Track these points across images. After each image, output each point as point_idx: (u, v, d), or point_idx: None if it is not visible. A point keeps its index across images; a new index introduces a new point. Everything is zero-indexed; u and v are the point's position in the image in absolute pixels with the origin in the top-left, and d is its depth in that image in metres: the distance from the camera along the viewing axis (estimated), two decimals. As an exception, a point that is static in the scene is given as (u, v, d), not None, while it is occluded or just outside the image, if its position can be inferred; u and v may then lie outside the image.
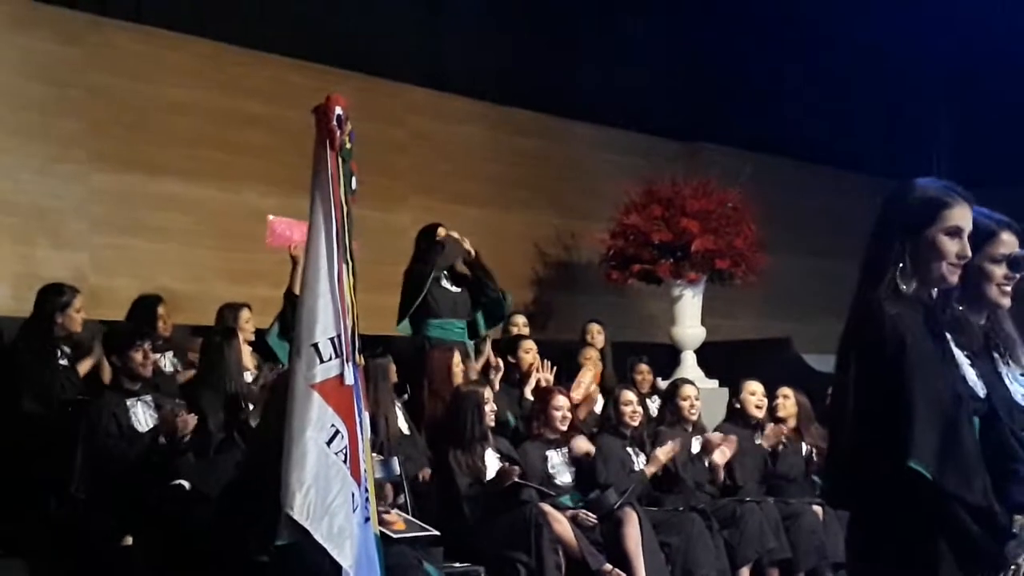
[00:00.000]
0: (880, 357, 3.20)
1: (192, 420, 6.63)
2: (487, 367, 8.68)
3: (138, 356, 6.80)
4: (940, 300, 3.38)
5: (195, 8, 9.63)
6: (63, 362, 7.20)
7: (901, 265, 3.28)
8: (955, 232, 3.32)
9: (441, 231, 8.47)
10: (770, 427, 8.68)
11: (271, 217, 7.63)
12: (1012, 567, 3.27)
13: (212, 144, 9.51)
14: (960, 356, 3.36)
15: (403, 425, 7.55)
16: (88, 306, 7.71)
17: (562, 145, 11.92)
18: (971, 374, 3.37)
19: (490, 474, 7.19)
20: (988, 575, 3.25)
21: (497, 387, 8.24)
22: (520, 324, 9.43)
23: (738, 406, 8.93)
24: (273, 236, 7.53)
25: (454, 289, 8.64)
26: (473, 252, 8.54)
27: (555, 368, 8.58)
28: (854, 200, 12.78)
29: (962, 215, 3.34)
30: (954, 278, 3.34)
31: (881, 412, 3.18)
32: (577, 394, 8.47)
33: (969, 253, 3.34)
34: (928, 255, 3.30)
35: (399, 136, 10.59)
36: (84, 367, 7.44)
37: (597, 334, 9.56)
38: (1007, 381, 3.42)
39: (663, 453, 7.92)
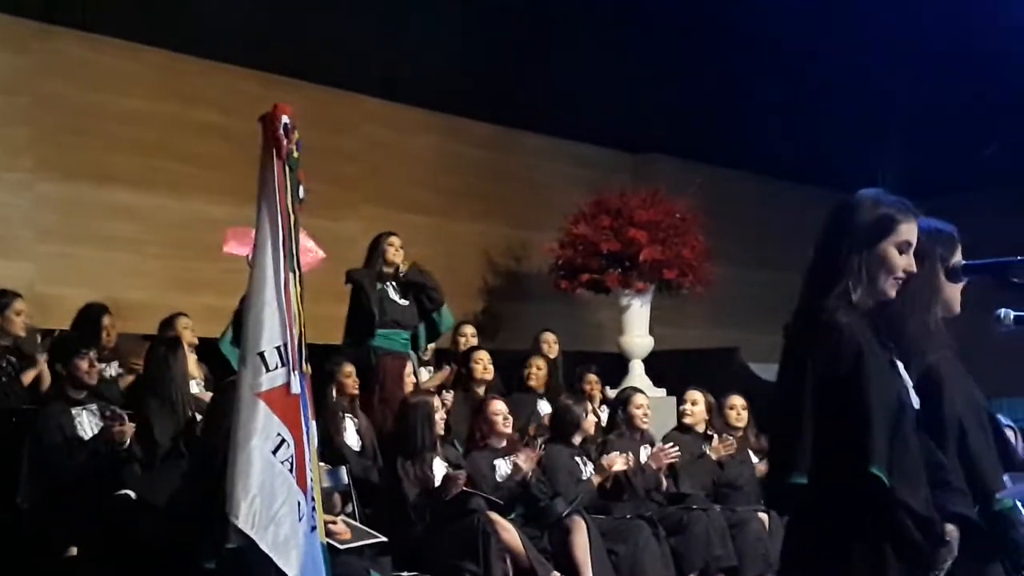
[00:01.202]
0: (837, 365, 3.22)
1: (130, 429, 6.54)
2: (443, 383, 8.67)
3: (83, 364, 6.73)
4: (879, 311, 3.40)
5: (145, 17, 9.54)
6: (7, 371, 7.10)
7: (856, 274, 3.30)
8: (904, 247, 3.36)
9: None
10: (716, 441, 8.67)
11: (230, 228, 7.55)
12: (940, 571, 3.33)
13: (162, 153, 9.43)
14: (901, 367, 3.38)
15: (352, 440, 7.50)
16: (35, 315, 7.64)
17: (513, 156, 11.92)
18: (910, 384, 3.39)
19: (438, 482, 7.14)
20: None
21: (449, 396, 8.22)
22: (468, 335, 9.39)
23: (687, 419, 8.94)
24: (231, 243, 7.46)
25: (401, 301, 8.62)
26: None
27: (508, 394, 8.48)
28: (800, 212, 12.81)
29: (911, 231, 3.39)
30: (894, 292, 3.38)
31: (839, 419, 3.19)
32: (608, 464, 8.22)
33: (915, 268, 3.37)
34: (878, 268, 3.34)
35: (351, 145, 10.55)
36: (28, 377, 7.34)
37: (553, 344, 9.55)
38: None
39: (612, 462, 7.90)
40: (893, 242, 3.37)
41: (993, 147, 13.30)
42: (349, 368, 7.67)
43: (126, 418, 6.59)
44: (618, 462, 7.94)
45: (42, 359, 7.29)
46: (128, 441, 6.53)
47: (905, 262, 3.38)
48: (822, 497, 3.22)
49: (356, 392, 7.69)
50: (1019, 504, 3.69)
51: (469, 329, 9.45)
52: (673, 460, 8.31)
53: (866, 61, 13.06)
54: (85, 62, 9.12)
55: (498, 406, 7.69)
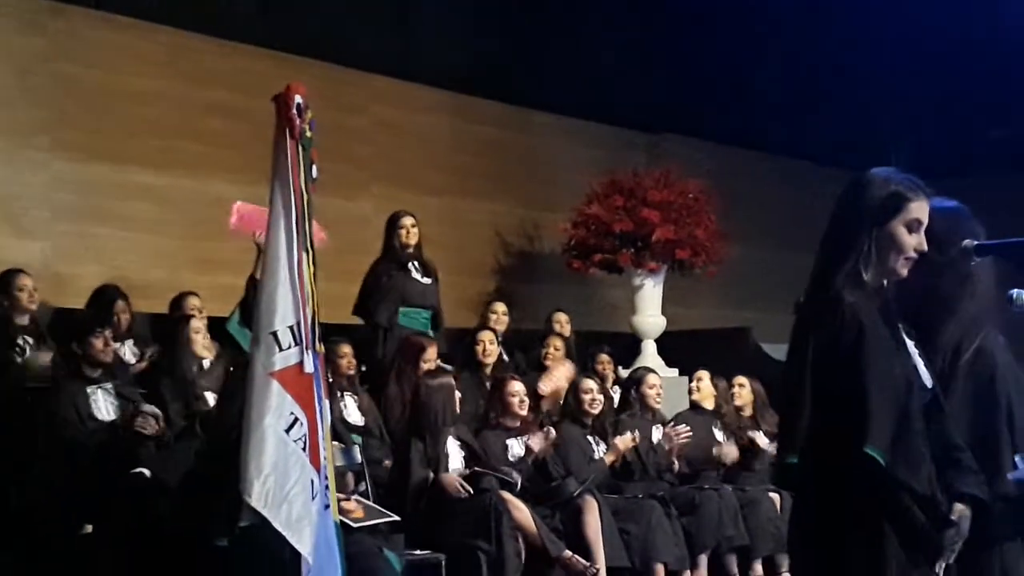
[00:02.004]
0: (838, 343, 3.22)
1: (153, 422, 6.56)
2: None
3: (98, 343, 6.75)
4: (891, 289, 3.38)
5: (159, -4, 9.55)
6: (25, 352, 7.11)
7: (865, 253, 3.29)
8: (915, 225, 3.34)
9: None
10: (726, 447, 8.62)
11: (237, 203, 7.53)
12: (949, 554, 3.31)
13: (177, 133, 9.43)
14: (911, 346, 3.37)
15: (355, 417, 7.51)
16: (51, 294, 7.66)
17: (525, 135, 11.89)
18: (921, 364, 3.38)
19: (453, 463, 7.15)
20: (928, 560, 3.28)
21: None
22: (500, 312, 9.35)
23: (694, 396, 8.97)
24: (240, 221, 7.44)
25: (423, 280, 8.62)
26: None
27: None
28: (813, 192, 12.77)
29: (921, 209, 3.37)
30: (905, 271, 3.36)
31: (837, 397, 3.19)
32: (544, 388, 8.42)
33: (925, 247, 3.36)
34: (888, 246, 3.33)
35: (363, 125, 10.53)
36: (45, 358, 7.34)
37: (565, 323, 9.55)
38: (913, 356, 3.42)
39: (622, 443, 7.90)
40: (903, 220, 3.35)
41: (1001, 130, 13.26)
42: (345, 348, 7.66)
43: (149, 409, 6.61)
44: (626, 439, 7.93)
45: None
46: (152, 430, 6.56)
47: (915, 241, 3.36)
48: (820, 477, 3.21)
49: (352, 372, 7.67)
50: None
51: (500, 307, 9.40)
52: (685, 441, 8.32)
53: (877, 42, 13.01)
54: (99, 42, 9.11)
55: (516, 387, 7.68)
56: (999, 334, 3.71)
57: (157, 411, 6.64)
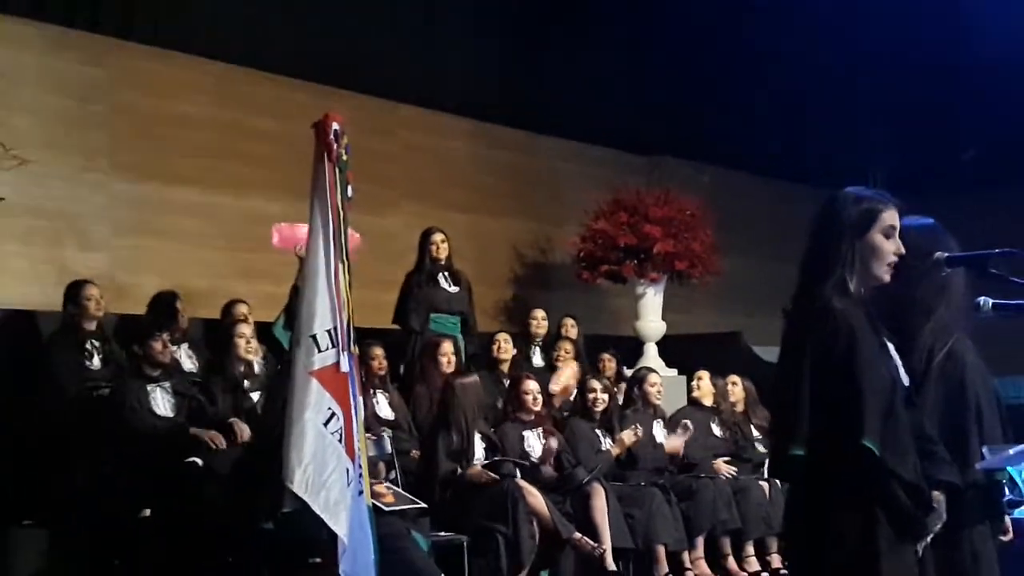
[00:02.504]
0: (832, 347, 3.24)
1: (219, 438, 6.63)
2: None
3: (157, 345, 6.82)
4: (873, 296, 3.42)
5: (208, 32, 9.59)
6: (96, 357, 7.14)
7: (849, 263, 3.33)
8: (890, 232, 3.38)
9: None
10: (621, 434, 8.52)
11: (278, 224, 7.56)
12: (929, 535, 3.35)
13: (222, 155, 9.48)
14: (891, 348, 3.40)
15: (385, 412, 7.55)
16: (112, 302, 7.69)
17: (538, 158, 11.92)
18: (900, 363, 3.41)
19: (477, 454, 7.19)
20: (912, 541, 3.32)
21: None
22: (539, 318, 9.38)
23: (695, 393, 9.01)
24: (280, 239, 7.49)
25: (451, 288, 8.67)
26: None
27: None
28: (799, 209, 12.74)
29: (893, 216, 3.41)
30: (888, 276, 3.39)
31: (834, 396, 3.22)
32: (555, 387, 8.46)
33: (903, 250, 3.40)
34: (870, 255, 3.36)
35: (392, 148, 10.57)
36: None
37: (572, 327, 9.58)
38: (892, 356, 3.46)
39: (627, 437, 7.93)
40: (879, 229, 3.38)
41: (971, 152, 13.26)
42: (377, 350, 7.70)
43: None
44: (628, 433, 7.96)
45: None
46: (218, 446, 6.62)
47: (893, 246, 3.40)
48: (819, 467, 3.24)
49: (383, 372, 7.72)
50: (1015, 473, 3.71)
51: (540, 313, 9.43)
52: (685, 439, 8.36)
53: (857, 70, 13.04)
54: (154, 73, 9.16)
55: (531, 385, 7.72)
56: (967, 338, 3.74)
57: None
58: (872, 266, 3.38)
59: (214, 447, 6.62)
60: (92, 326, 7.19)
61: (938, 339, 3.66)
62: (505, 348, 8.69)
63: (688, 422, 8.42)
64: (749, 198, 13.15)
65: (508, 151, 11.64)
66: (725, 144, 12.90)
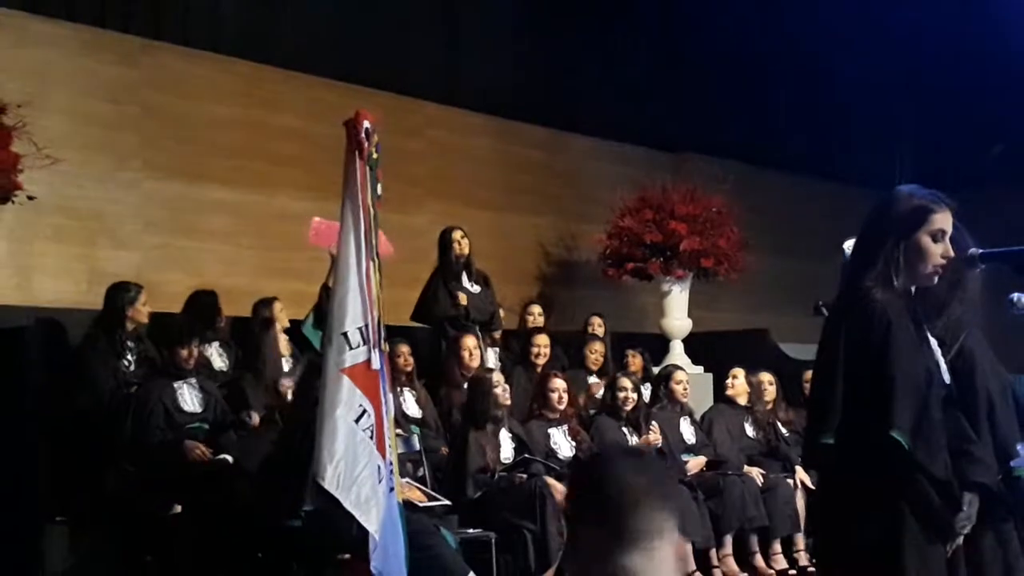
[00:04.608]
0: (868, 337, 3.22)
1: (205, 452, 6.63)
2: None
3: (183, 353, 6.82)
4: (928, 292, 3.39)
5: (237, 33, 9.62)
6: (129, 356, 7.17)
7: (894, 261, 3.30)
8: (939, 235, 3.35)
9: None
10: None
11: (315, 219, 7.52)
12: (959, 536, 3.31)
13: (252, 155, 9.50)
14: (934, 343, 3.37)
15: (413, 410, 7.54)
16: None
17: (564, 156, 11.90)
18: (942, 361, 3.38)
19: (504, 452, 7.18)
20: (940, 541, 3.28)
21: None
22: (536, 314, 9.39)
23: (729, 392, 8.94)
24: (317, 236, 7.45)
25: (473, 288, 8.67)
26: None
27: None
28: (825, 205, 12.77)
29: (944, 220, 3.37)
30: (935, 278, 3.36)
31: (867, 386, 3.19)
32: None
33: (952, 253, 3.37)
34: (916, 255, 3.34)
35: (418, 147, 10.56)
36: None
37: (599, 326, 9.56)
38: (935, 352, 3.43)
39: (652, 437, 7.88)
40: (927, 231, 3.35)
41: (999, 147, 13.15)
42: (403, 348, 7.69)
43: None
44: (651, 438, 7.91)
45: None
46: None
47: (941, 249, 3.36)
48: (848, 457, 3.22)
49: (409, 369, 7.70)
50: None
51: (536, 308, 9.43)
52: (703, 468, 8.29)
53: (884, 68, 12.96)
54: (184, 74, 9.19)
55: (557, 383, 7.71)
56: (981, 333, 3.71)
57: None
58: (917, 267, 3.34)
59: (197, 456, 6.59)
60: (130, 327, 7.20)
61: (950, 334, 3.63)
62: (545, 352, 8.65)
63: (655, 424, 8.23)
64: (775, 195, 13.09)
65: (533, 149, 11.62)
66: (751, 141, 12.87)
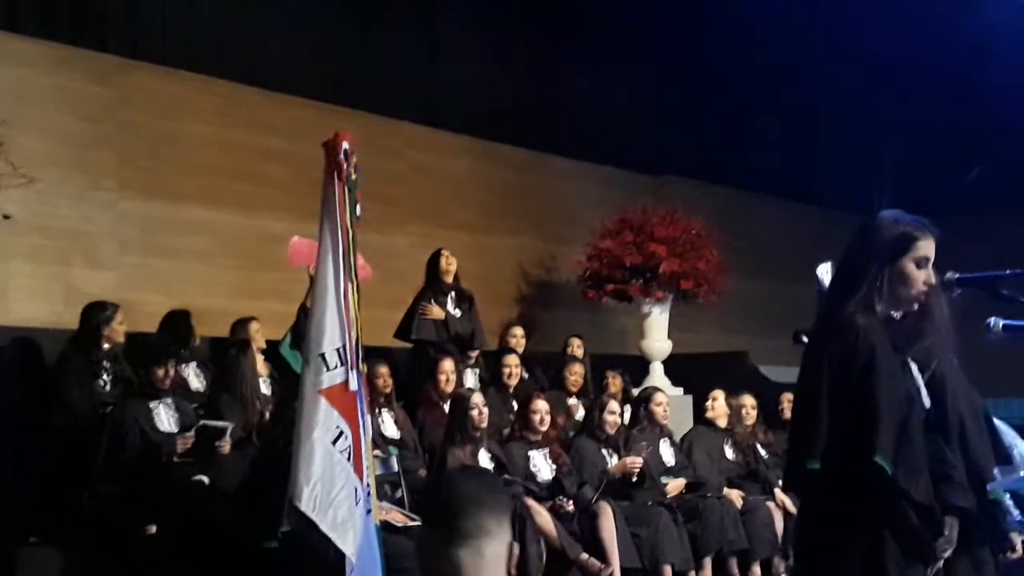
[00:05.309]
0: (851, 362, 3.24)
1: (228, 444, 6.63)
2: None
3: (160, 372, 6.82)
4: (905, 317, 3.41)
5: (216, 51, 9.63)
6: (105, 376, 7.15)
7: (877, 287, 3.32)
8: (923, 262, 3.37)
9: None
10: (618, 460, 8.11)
11: (295, 238, 7.53)
12: (939, 560, 3.32)
13: (230, 175, 9.50)
14: (915, 368, 3.40)
15: (391, 431, 7.54)
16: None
17: (544, 177, 11.95)
18: (922, 386, 3.40)
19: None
20: (921, 564, 3.30)
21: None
22: (519, 335, 9.41)
23: (709, 414, 8.96)
24: (296, 255, 7.45)
25: (455, 312, 8.71)
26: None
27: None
28: (804, 229, 12.85)
29: (928, 247, 3.40)
30: (916, 304, 3.39)
31: (850, 411, 3.21)
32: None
33: (934, 281, 3.39)
34: (899, 281, 3.35)
35: (399, 168, 10.59)
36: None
37: (577, 348, 9.57)
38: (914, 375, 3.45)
39: (630, 462, 7.86)
40: (912, 258, 3.38)
41: (977, 170, 13.27)
42: (382, 368, 7.68)
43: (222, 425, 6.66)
44: (630, 461, 7.89)
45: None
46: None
47: (924, 276, 3.39)
48: (831, 482, 3.23)
49: (388, 390, 7.70)
50: (1006, 495, 3.70)
51: (519, 331, 9.45)
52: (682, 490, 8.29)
53: (865, 91, 13.06)
54: (161, 93, 9.19)
55: (540, 405, 7.71)
56: (954, 361, 3.73)
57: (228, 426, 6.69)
58: (900, 293, 3.37)
59: (180, 446, 6.58)
60: (106, 347, 7.18)
61: (921, 362, 3.65)
62: (515, 372, 8.68)
63: (644, 443, 8.23)
64: (755, 218, 13.17)
65: (514, 170, 11.67)
66: (731, 164, 12.94)
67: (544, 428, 7.67)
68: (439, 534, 2.57)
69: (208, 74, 9.51)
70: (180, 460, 6.66)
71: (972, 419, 3.68)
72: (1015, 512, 4.66)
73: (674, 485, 8.23)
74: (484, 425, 7.28)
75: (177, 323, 7.60)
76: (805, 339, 3.65)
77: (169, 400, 6.90)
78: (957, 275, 3.64)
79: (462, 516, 2.55)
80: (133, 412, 6.76)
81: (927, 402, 3.41)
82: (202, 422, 6.72)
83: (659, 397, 8.66)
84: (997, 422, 4.26)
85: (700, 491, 8.31)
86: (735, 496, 8.36)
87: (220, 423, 6.70)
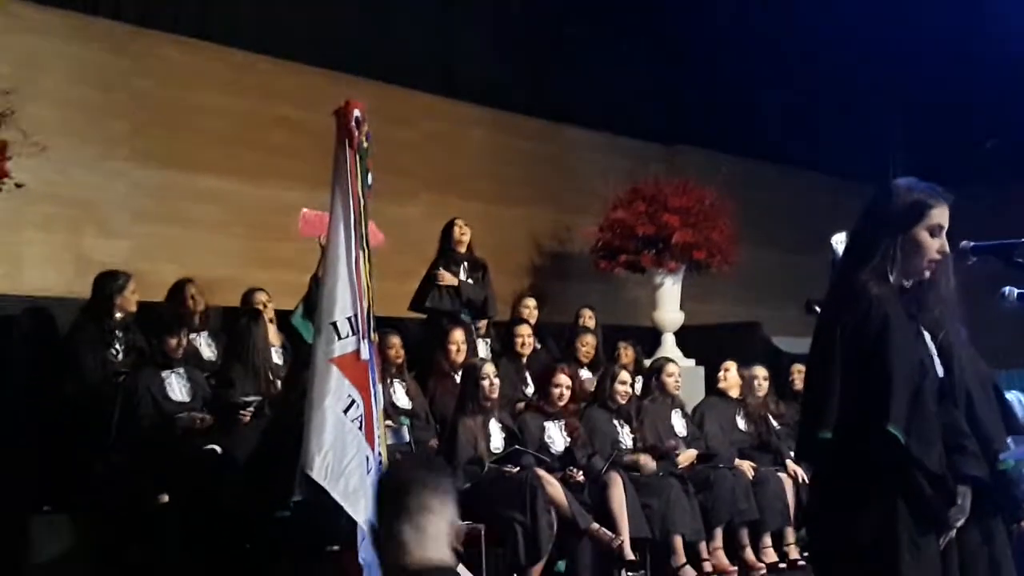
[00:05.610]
0: (864, 330, 3.22)
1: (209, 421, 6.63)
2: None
3: (172, 342, 6.85)
4: (915, 286, 3.39)
5: (228, 20, 9.59)
6: (117, 345, 7.16)
7: (891, 255, 3.30)
8: (937, 230, 3.35)
9: None
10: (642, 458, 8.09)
11: (304, 210, 7.51)
12: (952, 529, 3.32)
13: (242, 143, 9.48)
14: (928, 338, 3.38)
15: (403, 401, 7.54)
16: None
17: (557, 147, 11.91)
18: (936, 355, 3.38)
19: (495, 443, 7.18)
20: (932, 534, 3.29)
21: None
22: (531, 306, 9.38)
23: (721, 385, 8.96)
24: (306, 226, 7.44)
25: (468, 280, 8.69)
26: None
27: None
28: (817, 199, 12.80)
29: (942, 215, 3.37)
30: (929, 272, 3.36)
31: (863, 380, 3.19)
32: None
33: (948, 249, 3.37)
34: (913, 250, 3.33)
35: (412, 137, 10.55)
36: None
37: (589, 318, 9.55)
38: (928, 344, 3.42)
39: (644, 463, 7.87)
40: (925, 226, 3.35)
41: (993, 141, 13.17)
42: (394, 339, 7.66)
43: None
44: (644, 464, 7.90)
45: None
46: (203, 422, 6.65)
47: (938, 244, 3.36)
48: (844, 452, 3.22)
49: (400, 360, 7.69)
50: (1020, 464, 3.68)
51: (531, 301, 9.41)
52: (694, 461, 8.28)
53: (878, 59, 12.97)
54: (174, 61, 9.17)
55: (562, 379, 7.67)
56: (961, 329, 3.71)
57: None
58: (913, 261, 3.34)
59: (198, 423, 6.61)
60: (119, 315, 7.19)
61: (931, 333, 3.63)
62: (528, 342, 8.67)
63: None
64: (768, 188, 13.11)
65: (527, 140, 11.63)
66: (745, 134, 12.87)
67: (563, 403, 7.65)
68: (387, 511, 2.91)
69: (221, 43, 9.47)
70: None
71: (980, 389, 3.66)
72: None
73: (686, 456, 8.23)
74: (495, 396, 7.27)
75: (175, 292, 7.58)
76: (818, 309, 3.64)
77: (181, 369, 6.92)
78: (972, 244, 3.62)
79: (404, 494, 2.88)
80: (145, 381, 6.78)
81: (940, 371, 3.38)
82: (239, 398, 6.72)
83: (671, 368, 8.66)
84: (1009, 394, 4.24)
85: (712, 462, 8.31)
86: (746, 467, 8.35)
87: (249, 398, 6.71)
